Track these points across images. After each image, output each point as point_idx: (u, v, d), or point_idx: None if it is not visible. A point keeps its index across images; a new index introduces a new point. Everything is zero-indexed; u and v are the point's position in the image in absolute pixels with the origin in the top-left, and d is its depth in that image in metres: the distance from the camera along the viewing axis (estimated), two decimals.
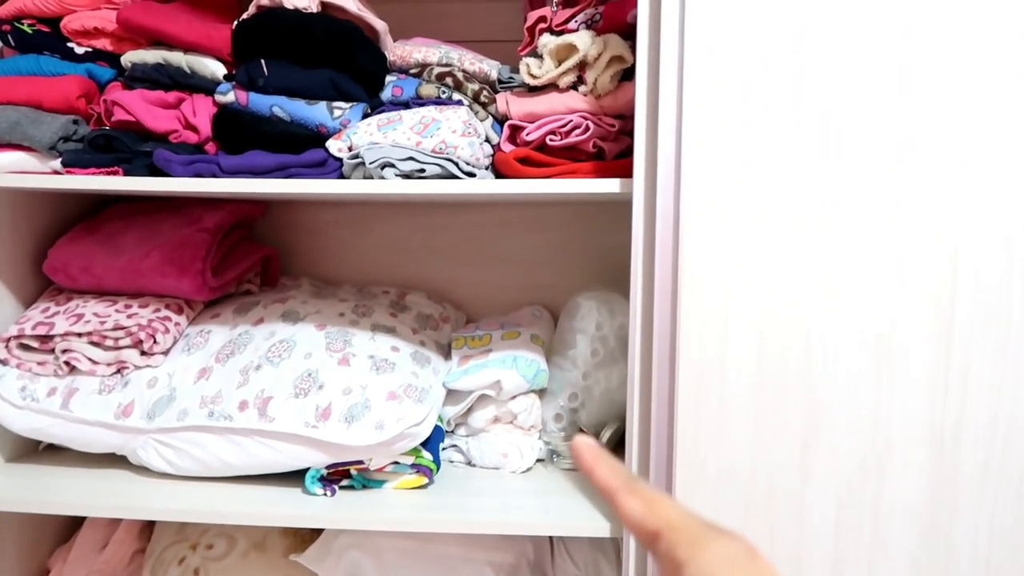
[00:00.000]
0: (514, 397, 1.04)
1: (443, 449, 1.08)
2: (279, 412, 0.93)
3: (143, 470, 1.00)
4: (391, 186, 0.87)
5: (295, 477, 0.96)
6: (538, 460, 1.07)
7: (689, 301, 0.78)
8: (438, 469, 0.99)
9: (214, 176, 0.91)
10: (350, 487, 0.97)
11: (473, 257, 1.30)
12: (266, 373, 0.97)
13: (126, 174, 0.92)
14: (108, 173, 0.92)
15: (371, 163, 0.88)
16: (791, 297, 0.76)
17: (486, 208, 1.29)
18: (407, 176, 0.89)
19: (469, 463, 1.07)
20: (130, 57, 0.98)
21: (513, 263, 1.29)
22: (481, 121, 0.99)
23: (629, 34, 0.91)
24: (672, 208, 0.79)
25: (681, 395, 0.77)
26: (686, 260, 0.78)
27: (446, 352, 1.15)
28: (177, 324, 1.04)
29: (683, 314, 0.78)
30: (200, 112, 0.95)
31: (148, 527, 1.12)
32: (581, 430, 1.07)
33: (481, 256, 1.30)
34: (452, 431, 1.10)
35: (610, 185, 0.85)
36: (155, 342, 1.00)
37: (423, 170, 0.88)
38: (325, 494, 0.94)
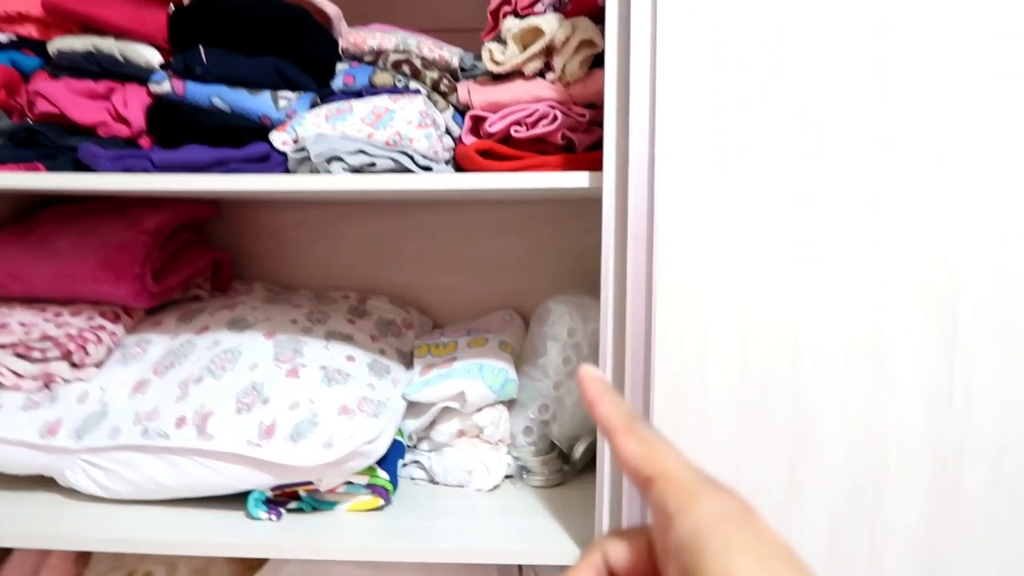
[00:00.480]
0: (480, 409, 0.97)
1: (404, 465, 1.01)
2: (219, 429, 0.85)
3: (73, 493, 0.91)
4: (338, 181, 0.79)
5: (240, 499, 0.88)
6: (506, 476, 1.00)
7: (665, 306, 0.70)
8: (395, 489, 0.91)
9: (146, 172, 0.83)
10: (299, 510, 0.89)
11: (441, 260, 1.23)
12: (207, 386, 0.89)
13: (49, 170, 0.84)
14: (28, 169, 0.84)
15: (316, 156, 0.80)
16: (777, 301, 0.69)
17: (455, 208, 1.22)
18: (356, 170, 0.81)
19: (432, 480, 0.99)
20: (57, 44, 0.90)
21: (483, 265, 1.22)
22: (441, 112, 0.91)
23: (600, 17, 0.84)
24: (645, 204, 0.72)
25: (657, 408, 0.70)
26: (661, 261, 0.71)
27: (409, 361, 1.07)
28: (112, 333, 0.96)
29: (659, 320, 0.71)
30: (132, 103, 0.87)
31: (84, 553, 1.04)
32: (553, 444, 1.00)
33: (449, 258, 1.23)
34: (414, 446, 1.02)
35: (578, 179, 0.78)
36: (86, 353, 0.91)
37: (374, 164, 0.81)
38: (270, 518, 0.86)
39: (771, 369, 0.69)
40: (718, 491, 0.28)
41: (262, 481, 0.85)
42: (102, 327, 0.95)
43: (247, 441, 0.84)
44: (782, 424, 0.69)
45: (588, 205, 1.18)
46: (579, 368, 0.33)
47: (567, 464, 1.00)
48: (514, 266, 1.22)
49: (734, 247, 0.70)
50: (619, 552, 0.32)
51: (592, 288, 1.07)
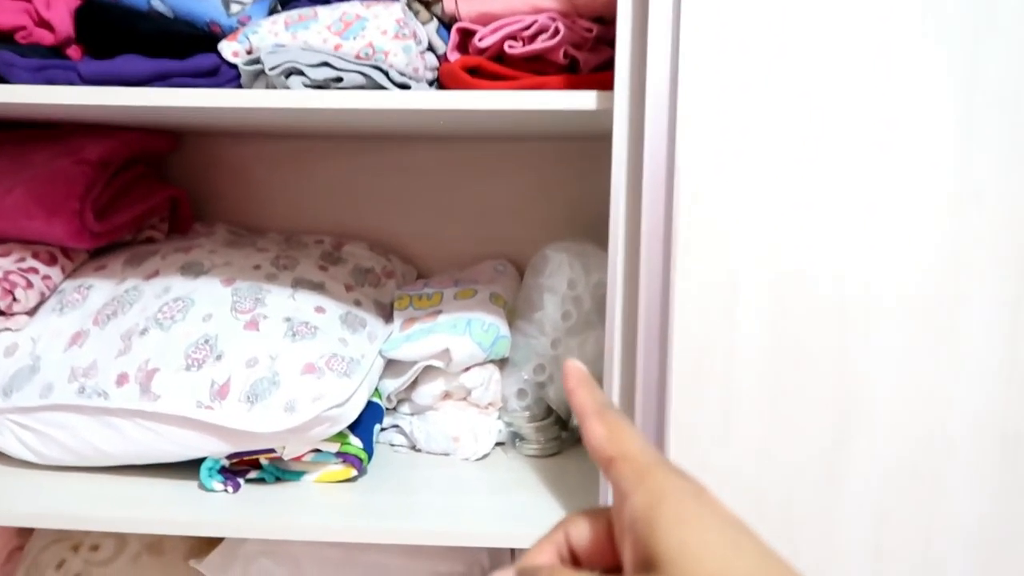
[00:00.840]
0: (468, 369, 0.86)
1: (383, 430, 0.90)
2: (165, 388, 0.74)
3: (3, 459, 0.80)
4: (296, 98, 0.66)
5: (197, 466, 0.77)
6: (497, 444, 0.89)
7: (687, 256, 0.59)
8: (370, 458, 0.80)
9: (71, 84, 0.70)
10: (260, 480, 0.78)
11: (427, 202, 1.11)
12: (153, 339, 0.77)
13: None
14: None
15: (272, 69, 0.68)
16: (822, 251, 0.57)
17: (443, 145, 1.09)
18: (319, 86, 0.68)
19: (413, 447, 0.89)
20: None
21: (473, 209, 1.10)
22: (423, 24, 0.78)
23: None
24: (666, 131, 0.60)
25: (675, 378, 0.59)
26: (683, 201, 0.59)
27: (388, 314, 0.96)
28: (46, 277, 0.84)
29: (679, 273, 0.59)
30: (56, 5, 0.74)
31: None
32: (549, 409, 0.89)
33: (436, 201, 1.11)
34: (394, 408, 0.91)
35: (583, 100, 0.65)
36: (14, 299, 0.79)
37: (340, 79, 0.68)
38: (226, 490, 0.76)
39: (812, 330, 0.58)
40: (672, 470, 0.29)
41: (214, 448, 0.74)
42: (34, 270, 0.83)
43: (197, 402, 0.73)
44: (824, 400, 0.58)
45: (592, 144, 1.06)
46: (565, 362, 0.34)
47: (565, 431, 0.89)
48: (508, 210, 1.10)
49: (771, 184, 0.58)
50: (581, 531, 0.32)
51: (594, 236, 0.95)
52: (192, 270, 0.87)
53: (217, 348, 0.76)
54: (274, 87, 0.69)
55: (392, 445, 0.90)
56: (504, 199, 1.09)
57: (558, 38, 0.73)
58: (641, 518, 0.27)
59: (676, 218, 0.59)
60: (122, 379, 0.75)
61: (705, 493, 0.28)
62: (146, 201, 0.97)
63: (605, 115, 0.66)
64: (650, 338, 0.61)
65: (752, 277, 0.58)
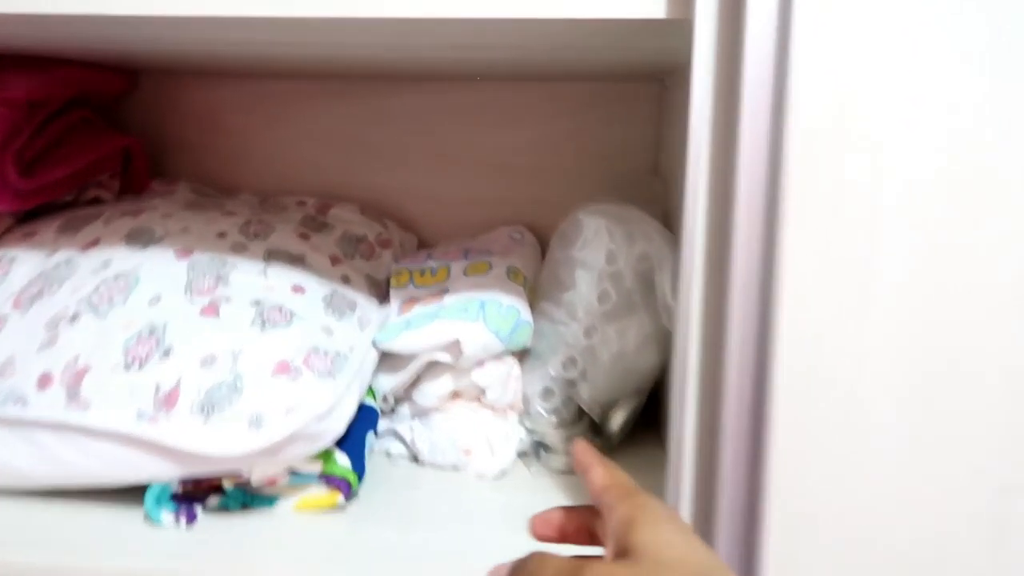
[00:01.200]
0: (481, 363, 0.70)
1: (378, 437, 0.74)
2: (98, 394, 0.57)
3: None
4: (256, 5, 0.49)
5: (143, 488, 0.61)
6: (518, 455, 0.73)
7: (801, 221, 0.42)
8: (360, 480, 0.64)
9: None
10: (223, 507, 0.62)
11: (429, 156, 0.95)
12: (85, 328, 0.61)
13: None
14: None
15: None
16: (996, 219, 0.41)
17: (448, 86, 0.92)
18: None
19: (415, 459, 0.73)
20: None
21: (485, 165, 0.94)
22: None
23: None
24: (772, 47, 0.43)
25: (779, 390, 0.42)
26: (798, 143, 0.42)
27: (384, 292, 0.79)
28: None
29: (788, 246, 0.42)
30: None
31: None
32: (581, 412, 0.73)
33: (440, 155, 0.94)
34: (392, 410, 0.75)
35: (647, 5, 0.47)
36: None
37: None
38: (178, 522, 0.60)
39: (976, 329, 0.41)
40: (652, 497, 0.35)
41: (160, 472, 0.58)
42: None
43: (137, 413, 0.57)
44: (989, 421, 0.42)
45: (631, 86, 0.88)
46: (575, 444, 0.42)
47: (599, 438, 0.73)
48: (528, 166, 0.94)
49: (927, 121, 0.41)
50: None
51: (635, 196, 0.79)
52: (140, 239, 0.70)
53: (165, 341, 0.59)
54: None
55: (389, 455, 0.74)
56: (523, 152, 0.93)
57: None
58: (623, 522, 0.33)
59: (786, 168, 0.42)
60: (45, 380, 0.59)
61: (675, 513, 0.35)
62: (90, 153, 0.80)
63: (674, 31, 0.49)
64: (745, 334, 0.44)
65: (895, 251, 0.42)
